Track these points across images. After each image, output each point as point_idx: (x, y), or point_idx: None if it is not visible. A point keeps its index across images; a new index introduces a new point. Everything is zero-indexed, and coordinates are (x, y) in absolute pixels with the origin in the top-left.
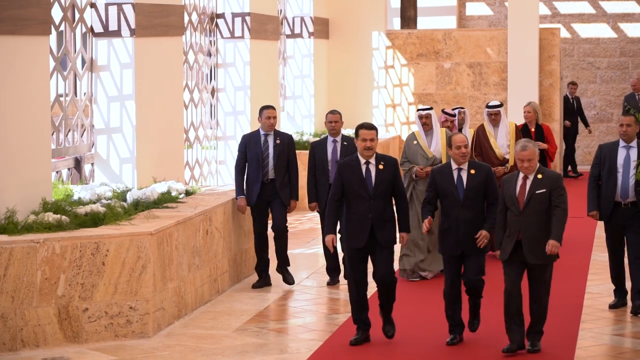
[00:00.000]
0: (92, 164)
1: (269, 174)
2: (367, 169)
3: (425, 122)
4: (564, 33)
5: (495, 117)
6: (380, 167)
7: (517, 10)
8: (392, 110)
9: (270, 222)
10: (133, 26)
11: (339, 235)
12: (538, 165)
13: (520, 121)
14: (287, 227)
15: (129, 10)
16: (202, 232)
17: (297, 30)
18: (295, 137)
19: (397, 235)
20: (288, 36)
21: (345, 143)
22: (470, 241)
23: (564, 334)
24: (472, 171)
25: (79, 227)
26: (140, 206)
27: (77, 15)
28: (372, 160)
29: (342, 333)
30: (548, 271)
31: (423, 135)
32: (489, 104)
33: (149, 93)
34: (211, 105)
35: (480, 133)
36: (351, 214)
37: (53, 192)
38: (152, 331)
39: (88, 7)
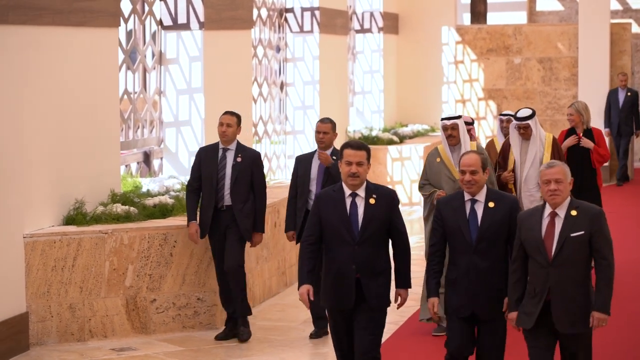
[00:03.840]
0: (161, 159)
1: (224, 199)
2: (353, 204)
3: (451, 135)
4: (636, 28)
5: (524, 132)
6: (372, 201)
7: (588, 5)
8: (461, 105)
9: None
10: (202, 19)
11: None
12: (570, 197)
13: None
14: (242, 267)
15: (197, 3)
16: (271, 224)
17: (366, 25)
18: (364, 132)
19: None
20: (357, 31)
21: (334, 158)
22: (486, 301)
23: None
24: (491, 204)
25: (147, 219)
26: None
27: (146, 8)
28: (361, 192)
29: (416, 317)
30: (587, 340)
31: (448, 151)
32: (517, 115)
33: (217, 86)
34: (280, 100)
35: (506, 147)
36: (331, 264)
37: (122, 184)
38: (219, 322)
39: (157, 0)
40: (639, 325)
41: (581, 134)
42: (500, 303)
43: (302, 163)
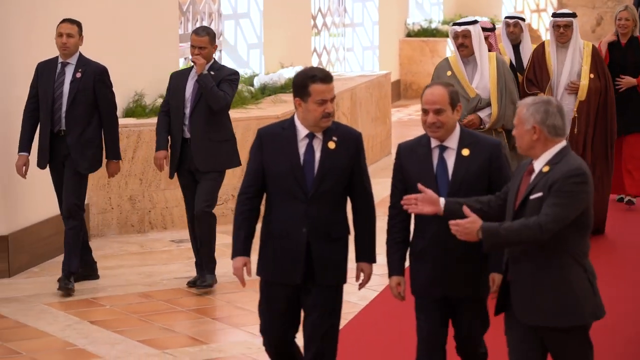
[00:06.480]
0: (220, 51)
1: (61, 121)
2: (310, 148)
3: (463, 44)
4: None
5: (564, 32)
6: (331, 145)
7: None
8: None
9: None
10: None
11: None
12: (460, 128)
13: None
14: (79, 206)
15: None
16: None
17: None
18: (424, 25)
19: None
20: None
21: (212, 73)
22: (461, 278)
23: None
24: (465, 151)
25: None
26: (267, 91)
27: None
28: (319, 134)
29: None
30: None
31: (461, 64)
32: (556, 12)
33: None
34: None
35: (539, 54)
36: (274, 224)
37: None
38: None
39: None
40: None
41: (625, 43)
42: (480, 279)
43: (175, 81)
